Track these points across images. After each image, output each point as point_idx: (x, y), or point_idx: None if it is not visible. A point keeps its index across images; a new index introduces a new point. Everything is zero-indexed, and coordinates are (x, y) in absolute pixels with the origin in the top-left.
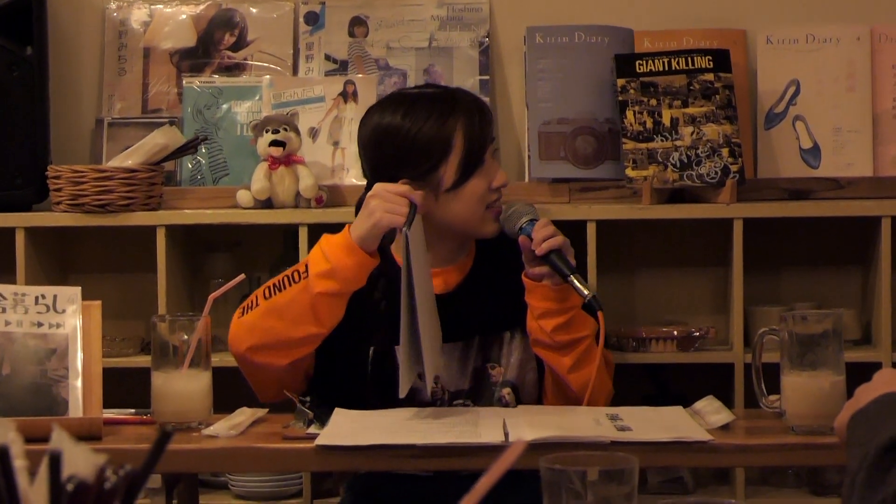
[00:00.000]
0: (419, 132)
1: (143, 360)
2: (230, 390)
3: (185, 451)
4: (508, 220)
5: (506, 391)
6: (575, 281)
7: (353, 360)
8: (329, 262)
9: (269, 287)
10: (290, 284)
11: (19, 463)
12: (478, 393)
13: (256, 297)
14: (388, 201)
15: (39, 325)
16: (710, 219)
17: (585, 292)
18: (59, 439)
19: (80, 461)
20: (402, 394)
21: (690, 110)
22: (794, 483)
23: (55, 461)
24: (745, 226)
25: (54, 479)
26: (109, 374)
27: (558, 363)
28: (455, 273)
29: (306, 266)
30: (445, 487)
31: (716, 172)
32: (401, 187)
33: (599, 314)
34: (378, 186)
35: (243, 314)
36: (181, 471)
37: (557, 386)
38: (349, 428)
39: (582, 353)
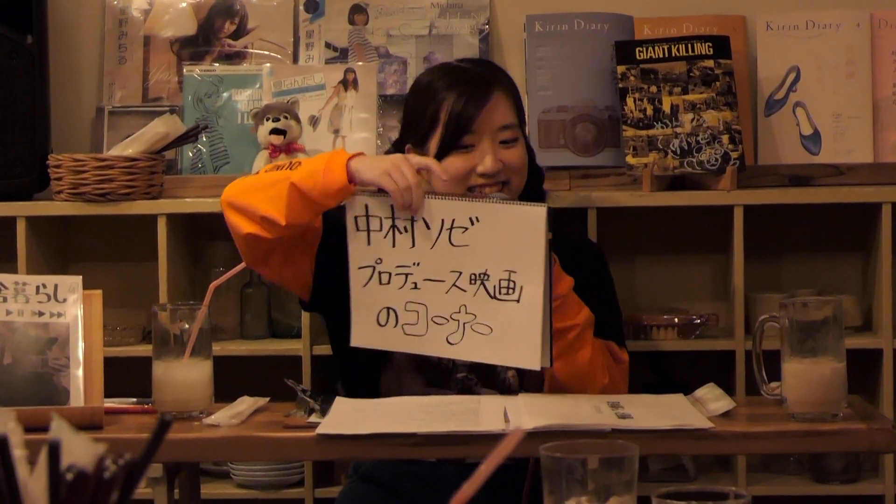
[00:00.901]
0: (421, 100)
1: (143, 350)
2: (231, 379)
3: (187, 440)
4: None
5: (510, 373)
6: None
7: None
8: (319, 164)
9: (275, 165)
10: (286, 168)
11: (18, 452)
12: (482, 370)
13: (266, 169)
14: (399, 169)
15: (40, 314)
16: (710, 206)
17: None
18: (59, 429)
19: (80, 450)
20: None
21: (690, 97)
22: (796, 470)
23: (54, 450)
24: (745, 212)
25: (53, 468)
26: (110, 364)
27: None
28: None
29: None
30: (448, 473)
31: (716, 159)
32: (421, 162)
33: None
34: (409, 154)
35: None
36: (182, 460)
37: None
38: (350, 416)
39: (569, 343)
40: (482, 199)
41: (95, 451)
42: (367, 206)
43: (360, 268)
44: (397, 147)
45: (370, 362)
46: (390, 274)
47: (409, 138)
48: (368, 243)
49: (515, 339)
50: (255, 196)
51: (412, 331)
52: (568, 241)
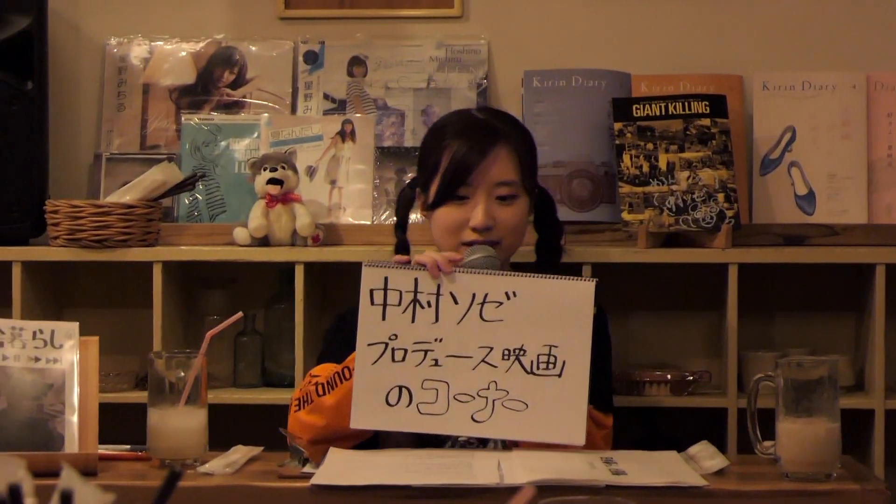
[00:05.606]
0: (431, 143)
1: (137, 396)
2: (224, 428)
3: (180, 488)
4: (466, 266)
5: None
6: None
7: None
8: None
9: (321, 384)
10: (340, 382)
11: (30, 501)
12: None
13: (308, 394)
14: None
15: (37, 359)
16: (705, 263)
17: None
18: (69, 477)
19: (90, 499)
20: None
21: (687, 155)
22: None
23: (66, 500)
24: (739, 271)
25: None
26: (104, 410)
27: None
28: None
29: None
30: None
31: (711, 217)
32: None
33: None
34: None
35: (299, 408)
36: None
37: None
38: (345, 467)
39: None
40: (523, 275)
41: (104, 501)
42: (386, 279)
43: (369, 344)
44: (412, 187)
45: None
46: (406, 350)
47: (418, 181)
48: (383, 318)
49: (556, 414)
50: (332, 423)
51: (430, 409)
52: None
